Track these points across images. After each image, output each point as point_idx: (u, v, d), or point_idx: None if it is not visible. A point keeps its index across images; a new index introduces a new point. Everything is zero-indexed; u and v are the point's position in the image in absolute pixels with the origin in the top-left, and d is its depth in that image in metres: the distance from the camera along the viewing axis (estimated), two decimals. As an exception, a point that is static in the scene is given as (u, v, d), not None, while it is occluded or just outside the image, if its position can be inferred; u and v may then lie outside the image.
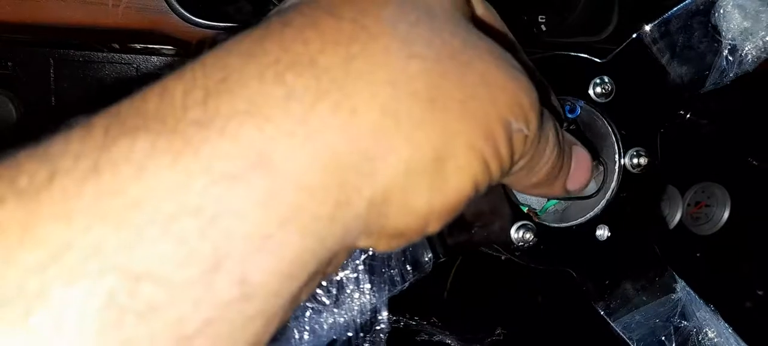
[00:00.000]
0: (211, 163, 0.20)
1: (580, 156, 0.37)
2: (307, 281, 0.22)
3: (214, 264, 0.19)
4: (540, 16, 0.76)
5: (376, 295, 0.37)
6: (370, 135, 0.22)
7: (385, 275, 0.38)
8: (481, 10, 0.34)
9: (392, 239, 0.25)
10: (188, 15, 0.54)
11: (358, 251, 0.38)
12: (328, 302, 0.35)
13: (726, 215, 1.08)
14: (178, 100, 0.21)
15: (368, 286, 0.37)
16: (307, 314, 0.34)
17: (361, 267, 0.37)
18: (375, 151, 0.22)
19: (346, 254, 0.24)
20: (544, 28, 0.76)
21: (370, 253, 0.39)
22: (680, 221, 1.06)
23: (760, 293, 0.98)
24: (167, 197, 0.19)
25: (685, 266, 1.09)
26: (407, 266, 0.40)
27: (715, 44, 0.46)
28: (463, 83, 0.24)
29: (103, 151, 0.19)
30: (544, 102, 0.29)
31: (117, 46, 0.66)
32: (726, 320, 0.48)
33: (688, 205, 1.07)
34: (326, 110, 0.21)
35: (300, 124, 0.21)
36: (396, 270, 0.40)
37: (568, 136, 0.37)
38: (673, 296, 0.47)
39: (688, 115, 0.87)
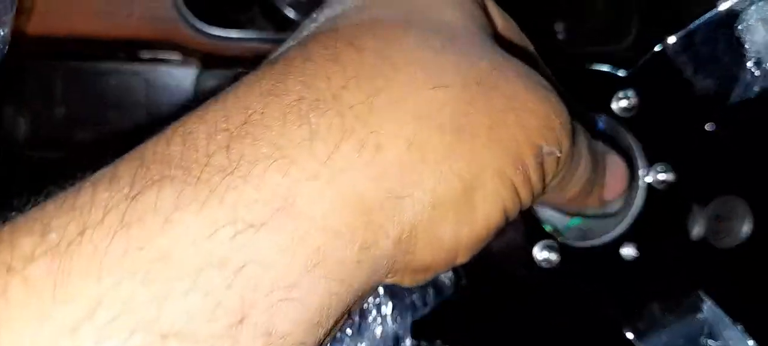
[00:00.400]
0: (236, 211, 0.19)
1: (615, 164, 0.36)
2: (333, 326, 0.21)
3: (240, 317, 0.19)
4: (556, 24, 0.75)
5: (399, 321, 0.36)
6: (396, 172, 0.21)
7: (407, 301, 0.37)
8: (501, 24, 0.33)
9: (418, 274, 0.24)
10: (199, 25, 0.54)
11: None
12: (350, 331, 0.34)
13: (747, 228, 1.06)
14: (202, 145, 0.21)
15: (390, 312, 0.36)
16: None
17: (382, 292, 0.36)
18: (401, 187, 0.21)
19: (371, 292, 0.23)
20: (560, 37, 0.75)
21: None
22: (702, 234, 1.05)
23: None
24: (194, 248, 0.19)
25: (707, 280, 1.07)
26: (429, 289, 0.39)
27: (740, 57, 0.44)
28: (491, 109, 0.23)
29: (130, 203, 0.19)
30: (573, 115, 0.28)
31: (124, 55, 0.66)
32: (752, 337, 0.47)
33: (710, 218, 1.05)
34: (351, 149, 0.21)
35: (324, 165, 0.20)
36: (418, 295, 0.39)
37: (600, 145, 0.35)
38: (700, 315, 0.45)
39: (706, 127, 0.85)
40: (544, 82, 0.26)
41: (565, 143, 0.26)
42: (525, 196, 0.25)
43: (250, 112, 0.21)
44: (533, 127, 0.24)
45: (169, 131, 0.22)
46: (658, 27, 0.70)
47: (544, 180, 0.26)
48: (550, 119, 0.25)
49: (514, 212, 0.25)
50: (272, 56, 0.28)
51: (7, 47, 0.27)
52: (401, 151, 0.21)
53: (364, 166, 0.21)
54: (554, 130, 0.25)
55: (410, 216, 0.22)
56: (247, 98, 0.22)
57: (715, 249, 1.03)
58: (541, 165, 0.25)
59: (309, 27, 0.27)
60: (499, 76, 0.24)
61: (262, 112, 0.21)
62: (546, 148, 0.25)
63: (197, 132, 0.21)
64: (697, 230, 1.03)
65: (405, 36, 0.23)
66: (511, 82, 0.24)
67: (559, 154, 0.25)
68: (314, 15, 0.28)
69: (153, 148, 0.21)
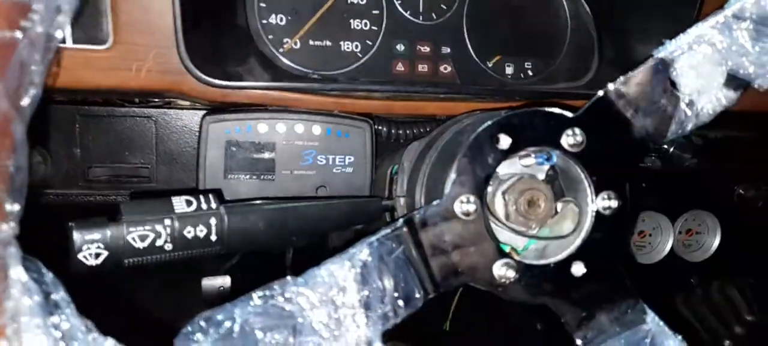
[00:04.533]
0: None
1: None
2: None
3: None
4: (526, 63, 0.82)
5: (371, 329, 0.42)
6: None
7: (379, 311, 0.43)
8: None
9: None
10: (204, 76, 0.60)
11: (355, 289, 0.43)
12: (327, 335, 0.40)
13: (716, 241, 1.12)
14: None
15: (364, 320, 0.42)
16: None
17: (357, 304, 0.42)
18: None
19: None
20: (530, 73, 0.82)
21: (366, 292, 0.44)
22: (671, 248, 1.11)
23: (749, 318, 1.01)
24: None
25: (678, 291, 1.12)
26: (399, 302, 0.45)
27: (674, 99, 0.51)
28: None
29: None
30: None
31: (137, 100, 0.72)
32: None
33: (680, 232, 1.11)
34: None
35: None
36: (389, 306, 0.45)
37: None
38: (644, 326, 0.51)
39: (672, 149, 0.92)
40: None
41: None
42: None
43: None
44: None
45: None
46: (616, 65, 0.78)
47: None
48: None
49: None
50: None
51: (37, 103, 0.33)
52: None
53: None
54: None
55: None
56: None
57: (684, 260, 1.09)
58: None
59: None
60: None
61: None
62: None
63: None
64: (666, 243, 1.09)
65: None
66: None
67: None
68: None
69: None
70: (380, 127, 0.74)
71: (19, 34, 0.28)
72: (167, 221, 0.47)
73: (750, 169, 1.04)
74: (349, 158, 0.68)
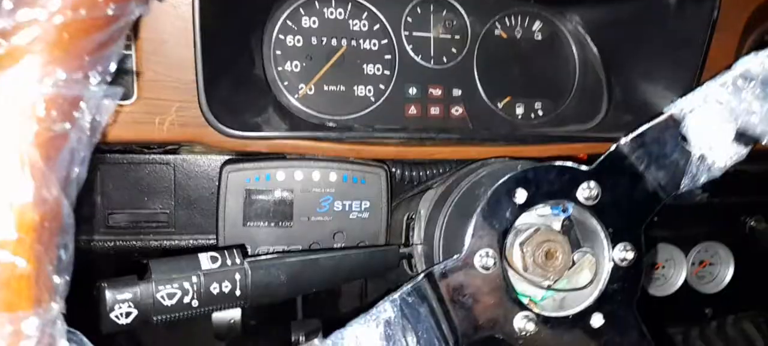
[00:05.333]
0: None
1: None
2: None
3: None
4: (536, 103, 0.83)
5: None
6: None
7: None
8: None
9: None
10: (224, 128, 0.62)
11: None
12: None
13: (730, 273, 1.13)
14: None
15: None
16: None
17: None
18: None
19: None
20: (540, 114, 0.83)
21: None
22: (685, 280, 1.11)
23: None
24: None
25: (693, 325, 1.12)
26: (423, 360, 0.46)
27: (686, 154, 0.52)
28: None
29: None
30: None
31: (156, 147, 0.74)
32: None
33: (693, 264, 1.12)
34: None
35: None
36: (413, 364, 0.45)
37: None
38: None
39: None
40: None
41: None
42: None
43: None
44: None
45: None
46: (625, 108, 0.79)
47: None
48: None
49: None
50: None
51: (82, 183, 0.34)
52: None
53: None
54: None
55: None
56: None
57: (697, 292, 1.09)
58: None
59: None
60: None
61: None
62: None
63: None
64: (679, 275, 1.09)
65: None
66: None
67: None
68: None
69: None
70: (394, 170, 0.75)
71: (69, 126, 0.30)
72: (194, 278, 0.48)
73: (761, 202, 1.05)
74: (365, 203, 0.69)
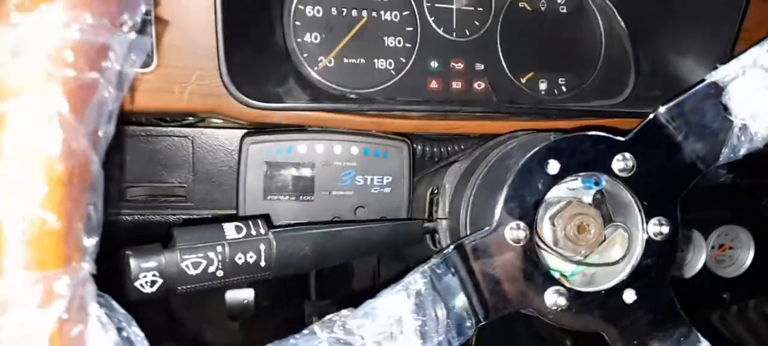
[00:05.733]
0: None
1: None
2: None
3: None
4: (560, 79, 0.81)
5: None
6: None
7: (435, 341, 0.43)
8: None
9: None
10: (245, 98, 0.60)
11: (411, 319, 0.43)
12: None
13: (750, 256, 1.11)
14: None
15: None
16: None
17: (414, 335, 0.41)
18: None
19: None
20: (564, 89, 0.81)
21: (421, 322, 0.43)
22: (705, 264, 1.09)
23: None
24: None
25: (713, 309, 1.10)
26: (452, 332, 0.45)
27: (727, 123, 0.50)
28: None
29: None
30: None
31: (173, 120, 0.73)
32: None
33: (712, 248, 1.10)
34: None
35: None
36: (443, 336, 0.44)
37: None
38: None
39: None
40: None
41: None
42: None
43: None
44: None
45: None
46: (653, 83, 0.77)
47: None
48: None
49: None
50: None
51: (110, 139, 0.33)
52: None
53: None
54: None
55: None
56: None
57: (717, 276, 1.07)
58: None
59: None
60: None
61: None
62: None
63: None
64: (699, 259, 1.07)
65: None
66: None
67: None
68: None
69: None
70: (416, 146, 0.74)
71: (97, 75, 0.29)
72: (219, 248, 0.47)
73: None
74: (387, 178, 0.67)
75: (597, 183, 0.52)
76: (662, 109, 0.51)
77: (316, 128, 0.67)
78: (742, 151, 0.50)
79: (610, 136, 0.50)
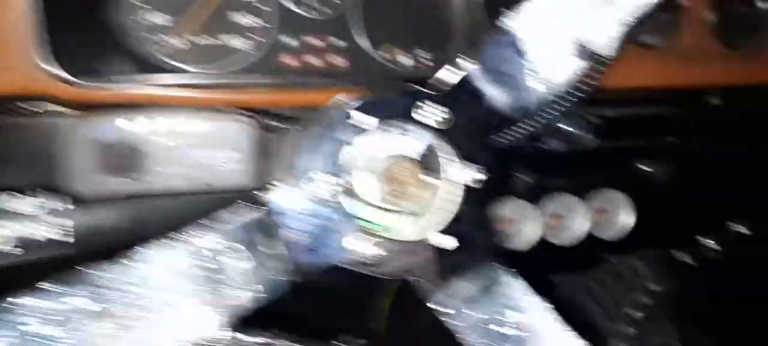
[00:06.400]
0: None
1: None
2: None
3: None
4: (419, 51, 0.83)
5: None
6: None
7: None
8: None
9: None
10: (70, 77, 0.57)
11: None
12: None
13: (631, 219, 1.15)
14: None
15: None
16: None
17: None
18: None
19: None
20: (423, 61, 0.83)
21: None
22: (587, 229, 1.13)
23: (653, 288, 1.05)
24: None
25: (591, 269, 1.14)
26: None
27: (525, 68, 0.52)
28: None
29: None
30: None
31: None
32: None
33: (593, 212, 1.13)
34: None
35: None
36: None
37: None
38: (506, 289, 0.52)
39: (572, 129, 0.94)
40: None
41: None
42: None
43: None
44: None
45: None
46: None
47: None
48: None
49: None
50: None
51: None
52: None
53: None
54: None
55: None
56: None
57: (599, 240, 1.11)
58: None
59: None
60: None
61: None
62: None
63: None
64: (579, 223, 1.11)
65: None
66: None
67: None
68: None
69: None
70: (266, 122, 0.73)
71: None
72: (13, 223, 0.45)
73: (651, 146, 1.08)
74: (234, 155, 0.66)
75: (412, 135, 0.53)
76: (465, 62, 0.52)
77: (156, 106, 0.65)
78: (543, 93, 0.52)
79: (418, 88, 0.51)
